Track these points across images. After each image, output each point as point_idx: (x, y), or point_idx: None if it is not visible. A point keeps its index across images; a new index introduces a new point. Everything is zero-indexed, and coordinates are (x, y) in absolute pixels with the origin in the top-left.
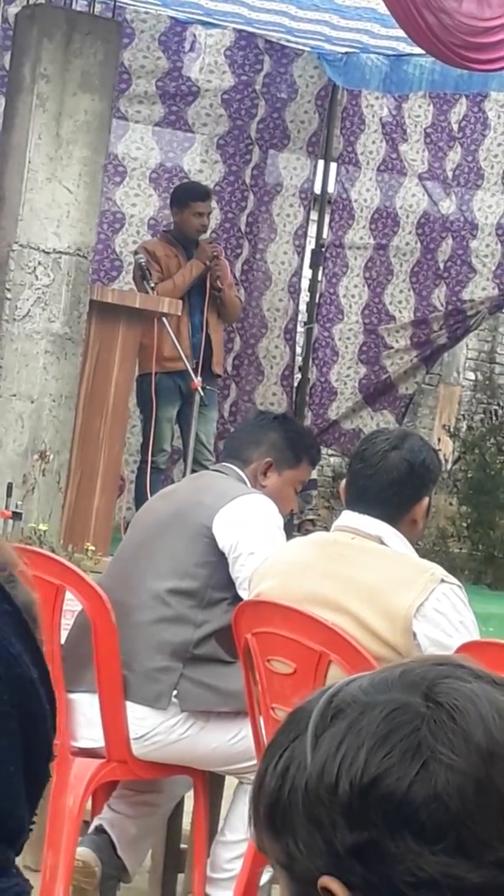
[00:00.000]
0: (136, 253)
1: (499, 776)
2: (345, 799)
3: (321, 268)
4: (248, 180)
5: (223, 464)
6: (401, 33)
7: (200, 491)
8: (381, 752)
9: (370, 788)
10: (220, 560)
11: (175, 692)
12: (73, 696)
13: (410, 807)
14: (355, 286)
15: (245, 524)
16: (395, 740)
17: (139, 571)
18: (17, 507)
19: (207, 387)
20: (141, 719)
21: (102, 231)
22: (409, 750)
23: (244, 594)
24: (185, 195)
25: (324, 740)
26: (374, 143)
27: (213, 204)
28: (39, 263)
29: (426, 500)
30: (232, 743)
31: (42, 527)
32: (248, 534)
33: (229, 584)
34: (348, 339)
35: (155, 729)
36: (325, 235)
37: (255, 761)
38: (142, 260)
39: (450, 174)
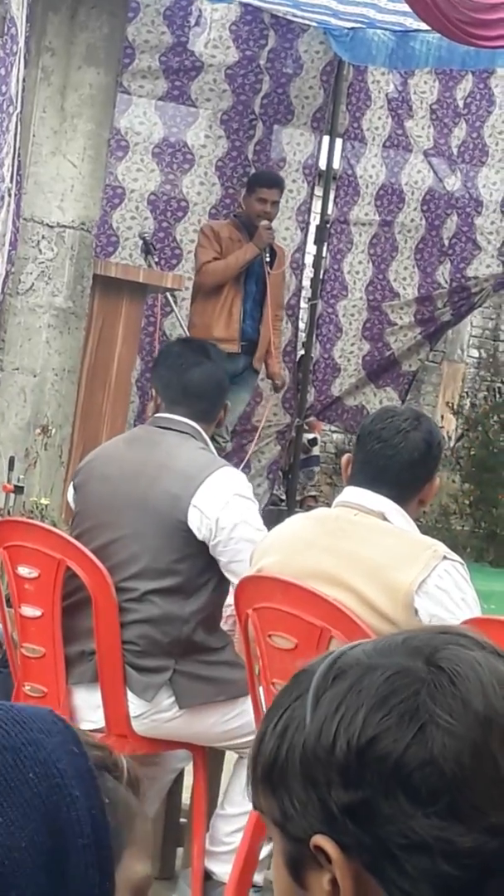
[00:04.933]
0: (200, 231)
1: (495, 743)
2: (341, 758)
3: (326, 244)
4: (251, 156)
5: (178, 419)
6: (407, 9)
7: (163, 471)
8: (379, 714)
9: (367, 749)
10: (198, 549)
11: (167, 684)
12: (70, 686)
13: (405, 769)
14: (360, 262)
15: (223, 514)
16: (393, 702)
17: (115, 571)
18: (18, 480)
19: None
20: (133, 700)
21: (101, 206)
22: (408, 713)
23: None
24: (253, 180)
25: (324, 701)
26: (379, 118)
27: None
28: (43, 237)
29: (436, 480)
30: (228, 719)
31: (44, 501)
32: (229, 522)
33: (208, 566)
34: (352, 315)
35: (148, 710)
36: (329, 211)
37: (254, 736)
38: (146, 235)
39: (455, 150)
